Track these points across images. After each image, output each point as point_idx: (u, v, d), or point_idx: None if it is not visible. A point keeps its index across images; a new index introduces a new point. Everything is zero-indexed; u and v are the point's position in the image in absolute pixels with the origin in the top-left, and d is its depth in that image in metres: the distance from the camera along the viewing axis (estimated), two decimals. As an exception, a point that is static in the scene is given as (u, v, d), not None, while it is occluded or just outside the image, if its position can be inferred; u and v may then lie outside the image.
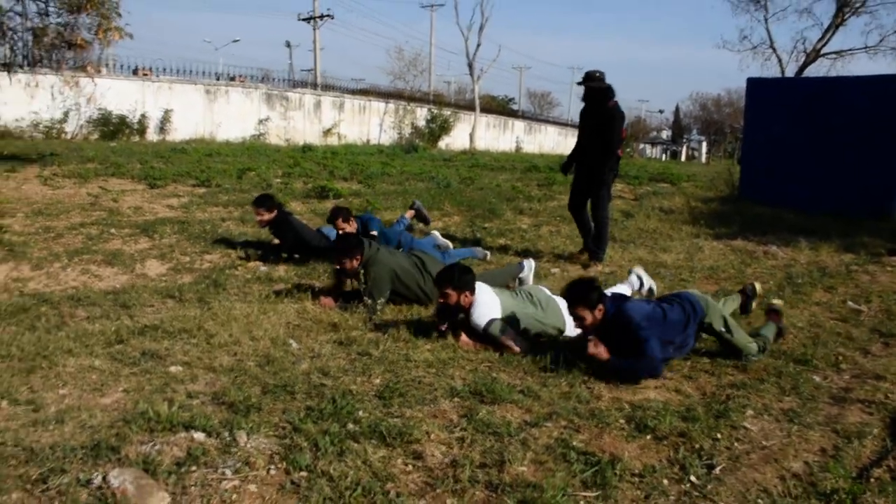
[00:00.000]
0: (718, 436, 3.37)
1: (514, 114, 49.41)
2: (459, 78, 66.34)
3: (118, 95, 21.36)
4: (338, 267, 5.68)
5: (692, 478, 2.99)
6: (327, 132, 29.31)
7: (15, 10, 11.03)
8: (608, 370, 4.07)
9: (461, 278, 4.76)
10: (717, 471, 3.05)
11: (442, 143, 32.49)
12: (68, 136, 20.28)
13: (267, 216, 7.29)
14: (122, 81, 22.29)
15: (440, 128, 33.81)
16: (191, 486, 2.78)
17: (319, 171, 13.70)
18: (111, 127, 21.29)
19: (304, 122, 28.71)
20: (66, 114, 20.20)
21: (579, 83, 7.22)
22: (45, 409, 3.49)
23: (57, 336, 4.61)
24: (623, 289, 5.56)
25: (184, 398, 3.64)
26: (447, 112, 35.43)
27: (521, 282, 6.16)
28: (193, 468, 2.89)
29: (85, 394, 3.74)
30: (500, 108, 51.82)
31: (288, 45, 54.87)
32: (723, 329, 4.42)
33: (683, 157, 65.90)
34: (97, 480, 2.72)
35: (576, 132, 7.79)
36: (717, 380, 4.16)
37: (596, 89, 7.06)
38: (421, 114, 34.33)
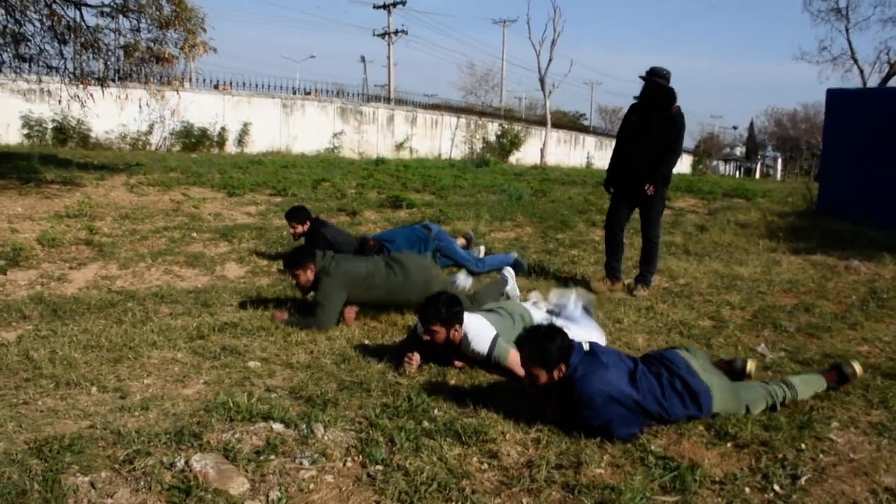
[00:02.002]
0: (802, 446, 3.22)
1: (584, 129, 48.96)
2: (530, 93, 66.26)
3: (200, 109, 22.10)
4: (294, 282, 5.37)
5: (776, 487, 2.86)
6: (399, 146, 29.64)
7: (110, 27, 11.54)
8: None
9: (450, 310, 4.13)
10: (802, 481, 2.91)
11: (512, 158, 32.44)
12: (153, 148, 21.11)
13: (300, 228, 7.11)
14: (204, 95, 23.04)
15: (511, 143, 33.77)
16: (269, 473, 2.81)
17: (392, 183, 13.84)
18: (193, 139, 22.07)
19: (377, 136, 29.11)
20: (151, 126, 21.05)
21: (642, 77, 6.26)
22: (131, 397, 3.61)
23: (142, 330, 4.76)
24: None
25: (262, 391, 3.70)
26: (518, 127, 35.38)
27: (507, 295, 5.67)
28: (272, 457, 2.92)
29: (168, 384, 3.85)
30: (570, 123, 51.44)
31: (363, 60, 55.90)
32: (743, 413, 3.54)
33: (758, 174, 64.23)
34: (180, 464, 2.78)
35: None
36: (801, 392, 3.99)
37: (661, 88, 6.15)
38: (492, 129, 34.39)
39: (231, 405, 3.36)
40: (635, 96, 6.43)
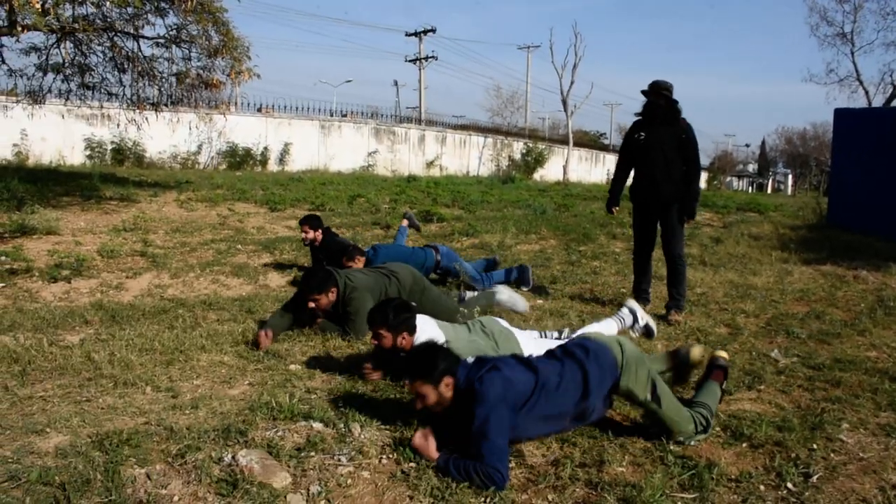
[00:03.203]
0: (814, 446, 3.18)
1: (604, 148, 48.61)
2: (553, 114, 66.20)
3: (244, 130, 22.43)
4: (312, 305, 4.87)
5: (789, 485, 2.83)
6: (430, 164, 29.72)
7: (164, 56, 11.80)
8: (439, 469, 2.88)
9: (397, 316, 3.84)
10: (814, 479, 2.87)
11: (536, 175, 32.36)
12: (201, 166, 21.42)
13: (311, 234, 7.03)
14: (248, 118, 23.32)
15: (535, 160, 33.70)
16: (310, 468, 2.84)
17: (423, 198, 13.90)
18: (237, 158, 22.34)
19: (409, 155, 29.22)
20: (199, 146, 21.43)
21: (644, 92, 5.76)
22: (182, 396, 3.67)
23: (192, 335, 4.83)
24: (610, 325, 4.63)
25: (303, 392, 3.73)
26: (542, 146, 35.31)
27: (500, 304, 5.39)
28: (312, 453, 2.95)
29: (216, 385, 3.91)
30: (591, 142, 51.17)
31: (395, 84, 56.09)
32: (648, 397, 3.16)
33: (769, 190, 63.41)
34: (227, 458, 2.81)
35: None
36: (811, 394, 3.93)
37: (669, 102, 5.70)
38: (517, 147, 34.35)
39: (274, 405, 3.40)
40: (637, 113, 5.96)
